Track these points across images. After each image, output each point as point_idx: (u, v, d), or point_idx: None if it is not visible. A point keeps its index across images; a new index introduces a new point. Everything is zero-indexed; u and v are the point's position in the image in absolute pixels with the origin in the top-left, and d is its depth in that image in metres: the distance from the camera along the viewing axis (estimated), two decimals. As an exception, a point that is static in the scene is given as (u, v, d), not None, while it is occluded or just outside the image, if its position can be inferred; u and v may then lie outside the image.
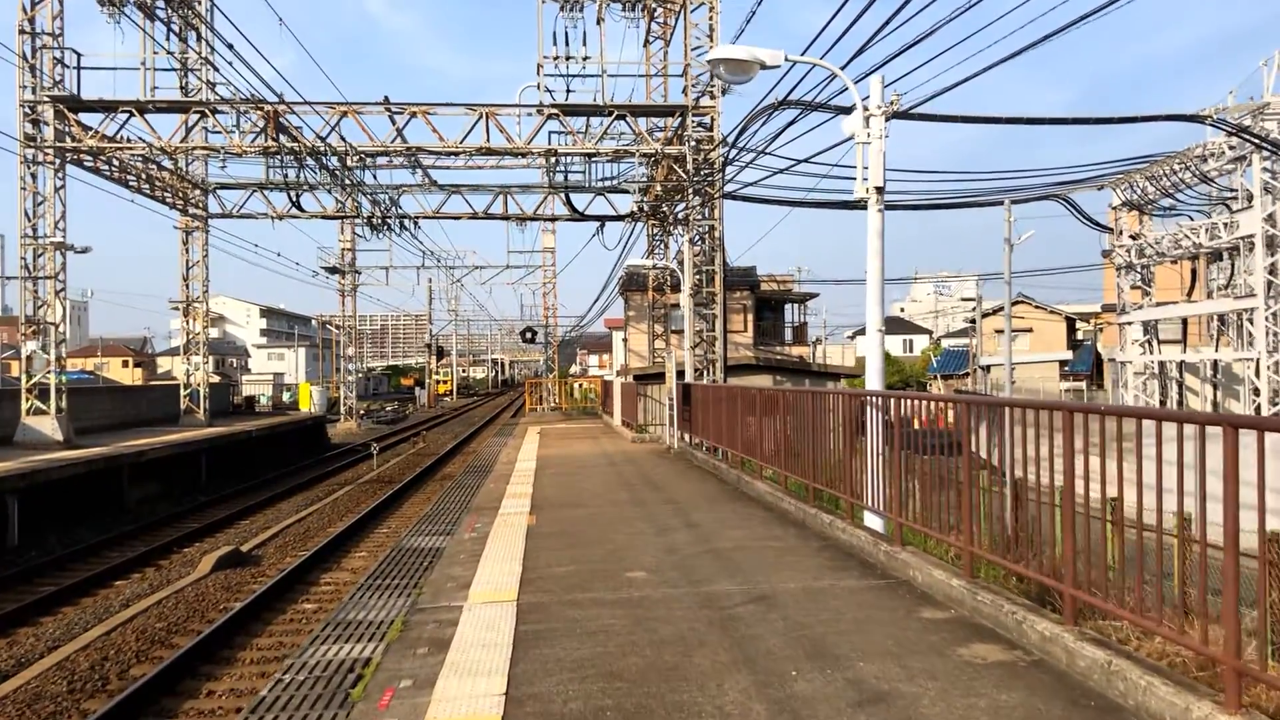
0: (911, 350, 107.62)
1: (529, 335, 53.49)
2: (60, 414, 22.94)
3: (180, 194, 31.04)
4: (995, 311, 70.09)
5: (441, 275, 59.15)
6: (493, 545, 9.28)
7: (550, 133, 25.10)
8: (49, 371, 22.71)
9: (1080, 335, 71.42)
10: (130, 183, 27.68)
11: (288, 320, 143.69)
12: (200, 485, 26.69)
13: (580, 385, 57.87)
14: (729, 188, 24.48)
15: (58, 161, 23.05)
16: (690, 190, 24.43)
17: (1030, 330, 66.91)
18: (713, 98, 24.46)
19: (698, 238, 24.92)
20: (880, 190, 8.84)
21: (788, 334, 41.92)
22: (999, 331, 72.81)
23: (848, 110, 19.82)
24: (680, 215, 24.88)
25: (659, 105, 24.95)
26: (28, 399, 22.74)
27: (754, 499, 12.32)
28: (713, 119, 24.63)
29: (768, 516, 10.76)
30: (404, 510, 22.30)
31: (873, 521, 9.02)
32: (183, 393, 32.66)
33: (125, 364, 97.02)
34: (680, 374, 21.22)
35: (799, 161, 18.77)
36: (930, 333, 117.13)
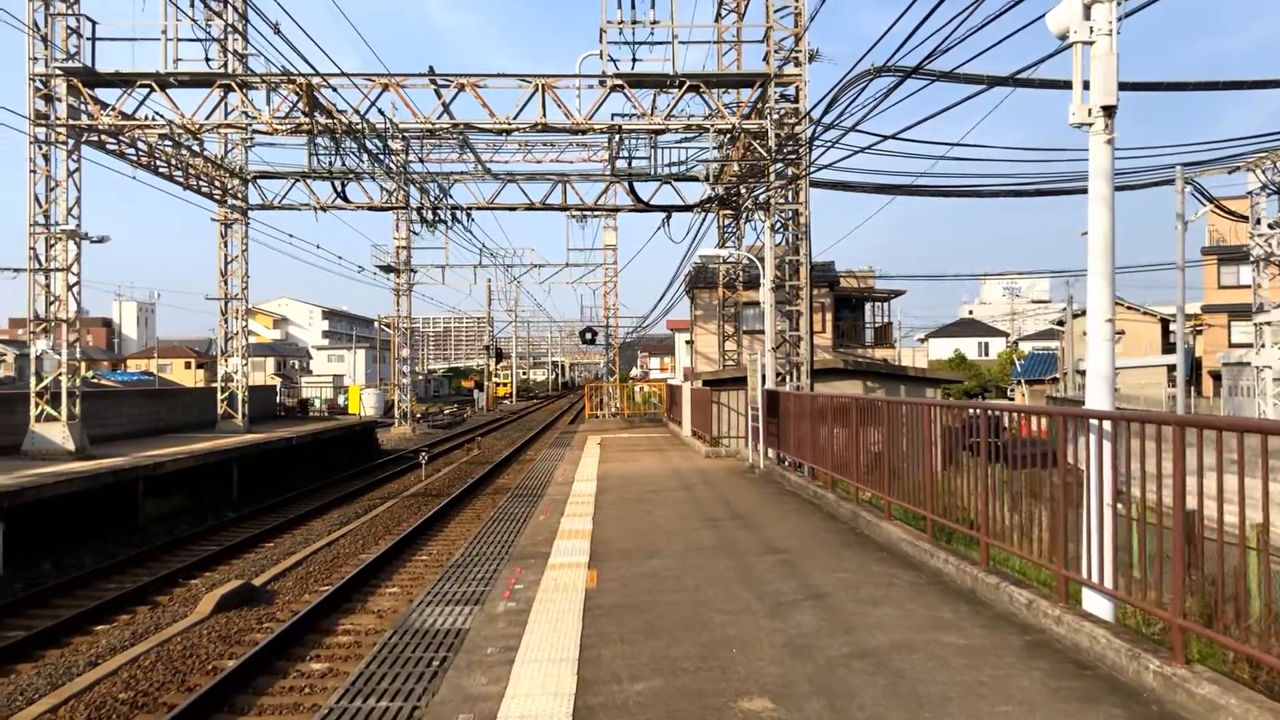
0: (987, 353, 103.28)
1: (589, 336, 50.92)
2: (72, 421, 20.71)
3: (218, 183, 28.88)
4: (1085, 313, 66.12)
5: (499, 274, 56.86)
6: (536, 628, 6.51)
7: (613, 114, 22.37)
8: (60, 374, 20.48)
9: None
10: (160, 169, 25.51)
11: (349, 321, 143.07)
12: (230, 499, 24.40)
13: (642, 389, 55.18)
14: (818, 172, 21.55)
15: (71, 141, 20.82)
16: (772, 170, 21.53)
17: (1123, 333, 62.76)
18: (798, 65, 21.54)
19: (779, 225, 22.01)
20: (1110, 112, 5.95)
21: (868, 335, 38.78)
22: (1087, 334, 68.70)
23: (961, 79, 16.82)
24: (760, 199, 21.99)
25: (736, 74, 22.08)
26: (37, 404, 20.55)
27: (883, 546, 9.41)
28: (798, 89, 21.70)
29: (916, 580, 7.84)
30: (447, 532, 19.73)
31: (1095, 603, 6.10)
32: (219, 396, 30.47)
33: (187, 365, 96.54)
34: (763, 379, 18.35)
35: (904, 130, 15.75)
36: (1007, 335, 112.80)
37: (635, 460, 20.08)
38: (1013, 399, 71.25)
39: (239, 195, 29.80)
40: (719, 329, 33.16)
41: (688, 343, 56.30)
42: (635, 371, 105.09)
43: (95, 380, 78.54)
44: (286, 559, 16.87)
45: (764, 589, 7.57)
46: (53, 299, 20.65)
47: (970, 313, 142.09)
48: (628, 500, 13.29)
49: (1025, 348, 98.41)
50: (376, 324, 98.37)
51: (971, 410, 9.01)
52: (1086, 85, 5.94)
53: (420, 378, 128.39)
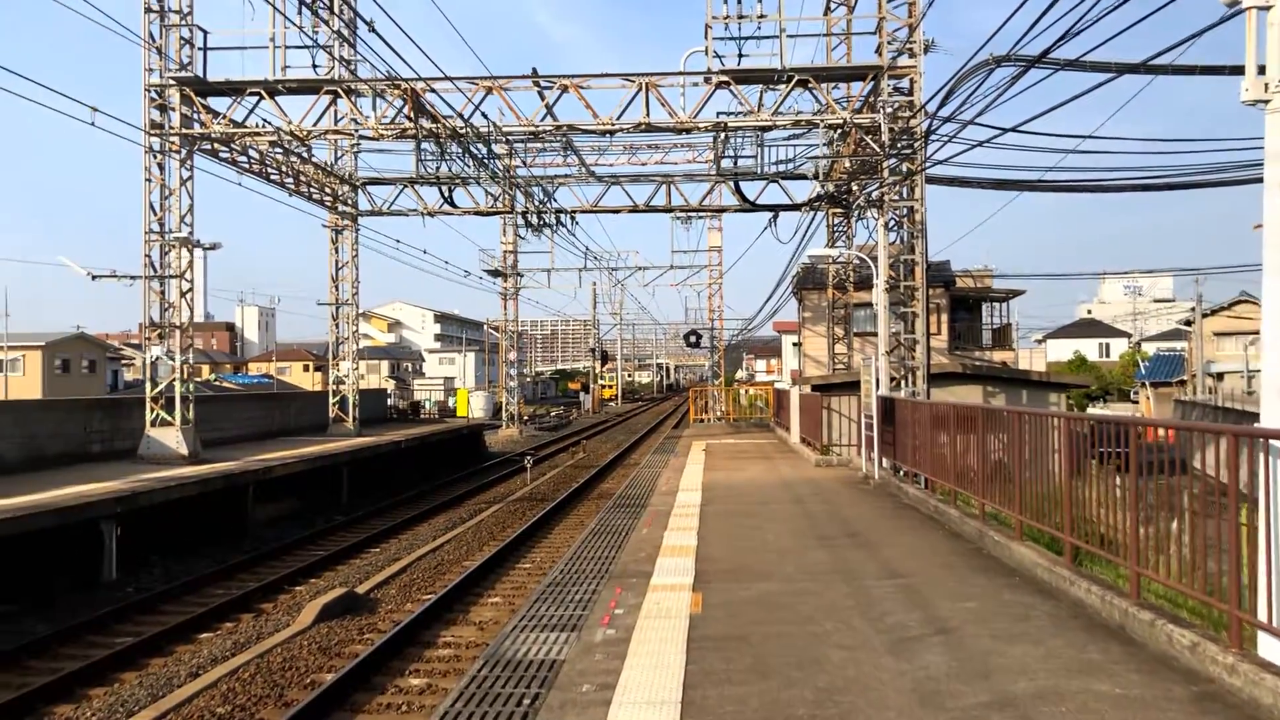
0: (1108, 354, 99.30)
1: (693, 339, 50.36)
2: (186, 425, 21.06)
3: (328, 190, 29.25)
4: (1216, 311, 62.74)
5: (603, 278, 56.76)
6: (635, 661, 6.00)
7: (718, 113, 21.80)
8: (174, 379, 20.85)
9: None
10: (272, 176, 25.91)
11: (459, 325, 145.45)
12: (340, 503, 24.57)
13: (747, 392, 54.41)
14: (933, 167, 20.61)
15: (184, 150, 21.20)
16: (885, 166, 20.67)
17: (1258, 333, 59.42)
18: (913, 56, 20.64)
19: (893, 223, 21.12)
20: (1293, 87, 5.16)
21: (986, 337, 37.32)
22: (1219, 334, 65.23)
23: (1088, 67, 15.76)
24: (873, 196, 21.14)
25: (848, 67, 21.25)
26: (152, 409, 20.95)
27: (1013, 570, 8.64)
28: (912, 82, 20.78)
29: (1055, 612, 7.10)
30: (551, 539, 19.45)
31: (1273, 649, 5.31)
32: (331, 400, 30.87)
33: (305, 368, 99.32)
34: (877, 384, 17.53)
35: (1026, 122, 14.76)
36: (1129, 335, 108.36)
37: (742, 469, 19.46)
38: (1136, 402, 68.16)
39: (349, 201, 30.14)
40: (828, 331, 32.27)
41: (795, 345, 55.30)
42: (740, 374, 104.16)
43: (218, 382, 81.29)
44: (391, 565, 16.76)
45: (885, 620, 6.92)
46: (167, 305, 21.04)
47: (1089, 313, 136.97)
48: (734, 514, 12.71)
49: (1148, 349, 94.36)
50: (485, 327, 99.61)
51: (1121, 427, 8.19)
52: (1262, 70, 5.16)
53: (528, 380, 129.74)
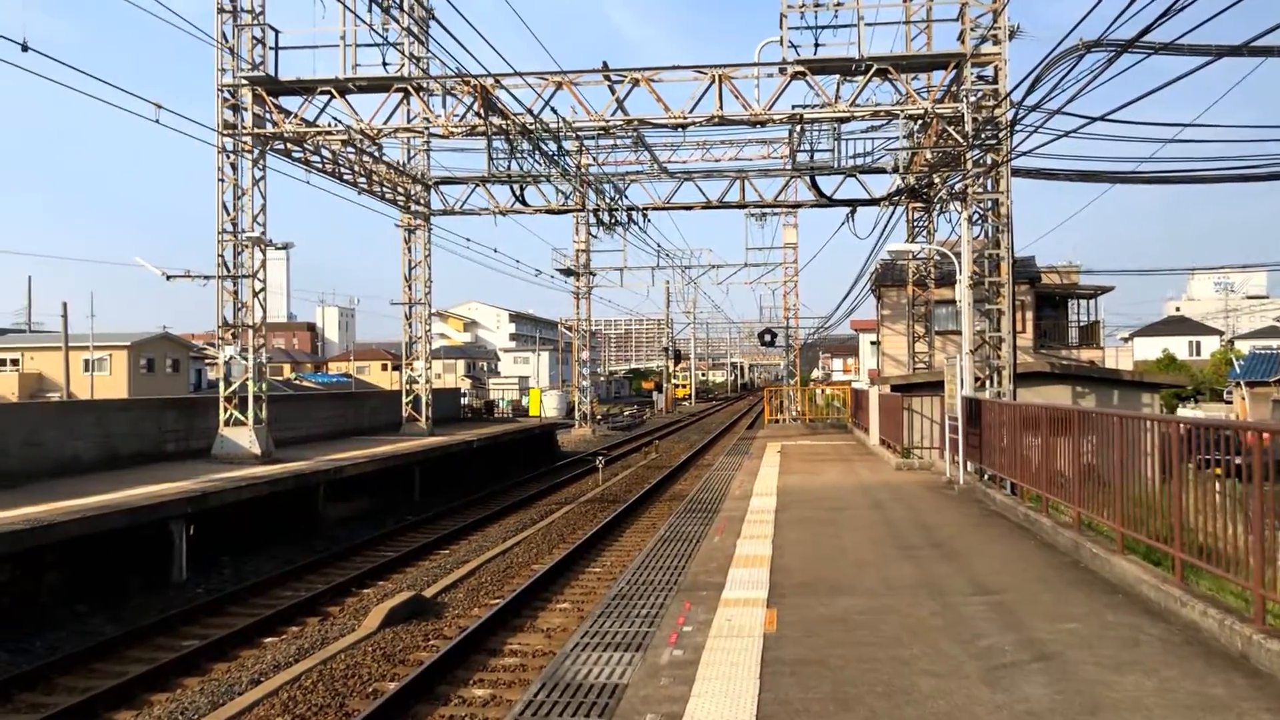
0: (1198, 353, 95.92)
1: (768, 338, 49.61)
2: (258, 425, 21.11)
3: (400, 189, 29.25)
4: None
5: (676, 276, 56.17)
6: (704, 688, 5.53)
7: (793, 105, 21.20)
8: (247, 378, 20.90)
9: None
10: (345, 176, 25.95)
11: (534, 324, 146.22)
12: (412, 503, 24.49)
13: (823, 392, 53.45)
14: (1018, 159, 19.73)
15: (256, 150, 21.25)
16: (968, 158, 19.86)
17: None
18: (997, 43, 19.79)
19: (976, 216, 20.28)
20: None
21: (1072, 335, 36.00)
22: (1322, 331, 62.27)
23: (1185, 50, 14.86)
24: (956, 189, 20.34)
25: (929, 55, 20.45)
26: (226, 409, 21.03)
27: (1116, 587, 7.97)
28: (996, 69, 19.93)
29: (1166, 637, 6.45)
30: (622, 541, 19.08)
31: None
32: (404, 399, 30.90)
33: (384, 367, 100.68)
34: (961, 384, 16.76)
35: (1115, 110, 13.85)
36: (1221, 333, 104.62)
37: (819, 472, 18.84)
38: (1229, 402, 65.59)
39: (421, 201, 30.13)
40: (908, 329, 31.38)
41: (873, 344, 54.16)
42: (816, 373, 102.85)
43: (298, 381, 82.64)
44: (460, 568, 16.52)
45: (978, 644, 6.34)
46: (241, 305, 21.11)
47: (1177, 310, 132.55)
48: (811, 520, 12.15)
49: (1241, 347, 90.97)
50: (559, 326, 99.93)
51: (1237, 431, 7.48)
52: None
53: (602, 379, 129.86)
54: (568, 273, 48.26)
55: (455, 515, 22.99)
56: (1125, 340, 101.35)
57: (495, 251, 32.39)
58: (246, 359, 20.85)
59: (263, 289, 21.44)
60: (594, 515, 22.26)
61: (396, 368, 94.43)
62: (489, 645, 11.92)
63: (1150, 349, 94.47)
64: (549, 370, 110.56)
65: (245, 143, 21.02)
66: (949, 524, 11.51)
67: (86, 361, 55.89)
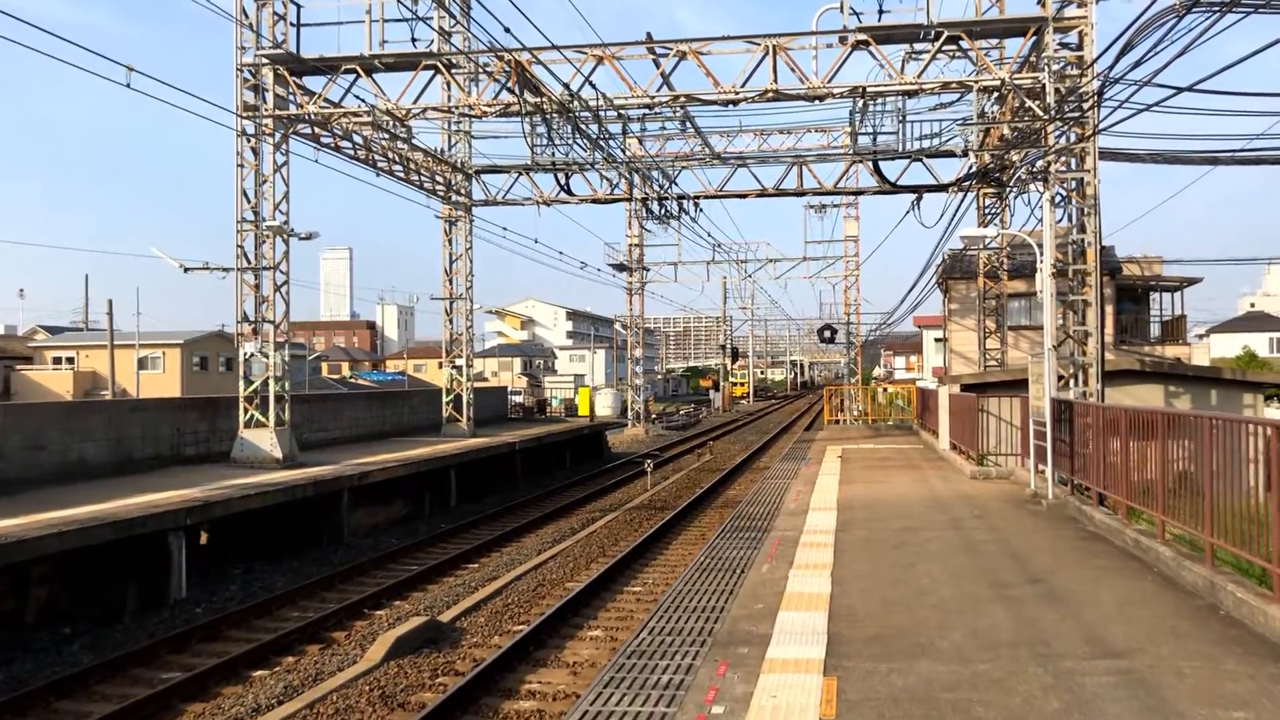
0: (1279, 350, 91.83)
1: (827, 334, 47.66)
2: (280, 427, 19.81)
3: (439, 178, 27.90)
4: None
5: (732, 271, 54.41)
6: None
7: (852, 88, 19.40)
8: (268, 377, 19.62)
9: None
10: (379, 164, 24.62)
11: (590, 322, 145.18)
12: (448, 509, 23.10)
13: (885, 390, 51.35)
14: (1106, 135, 17.73)
15: (278, 134, 19.96)
16: (1050, 132, 17.90)
17: None
18: (1082, 5, 17.81)
19: (1059, 198, 18.30)
20: None
21: (1154, 330, 33.61)
22: None
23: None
24: (1036, 168, 18.37)
25: (1005, 19, 18.46)
26: (246, 410, 19.78)
27: None
28: (1081, 35, 17.95)
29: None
30: (667, 555, 17.47)
31: None
32: (445, 398, 29.55)
33: (440, 365, 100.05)
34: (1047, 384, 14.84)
35: (1205, 79, 11.92)
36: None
37: (884, 481, 17.01)
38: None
39: (462, 191, 28.75)
40: (978, 325, 29.29)
41: (937, 340, 51.87)
42: (878, 371, 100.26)
43: (353, 379, 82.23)
44: (487, 585, 15.03)
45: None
46: (262, 299, 19.84)
47: (1252, 305, 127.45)
48: (878, 543, 10.39)
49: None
50: (614, 324, 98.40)
51: None
52: None
53: (659, 377, 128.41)
54: (620, 267, 46.79)
55: (491, 523, 21.54)
56: (1201, 337, 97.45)
57: (535, 242, 30.97)
58: (268, 356, 19.56)
59: (285, 282, 20.15)
60: (639, 524, 20.69)
61: (455, 366, 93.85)
62: (505, 684, 10.38)
63: (1228, 346, 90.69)
64: (605, 368, 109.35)
65: (266, 125, 19.73)
66: (1043, 551, 9.69)
67: (141, 360, 55.71)
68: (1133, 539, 9.52)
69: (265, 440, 19.58)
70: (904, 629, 6.77)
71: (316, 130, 21.52)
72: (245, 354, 19.53)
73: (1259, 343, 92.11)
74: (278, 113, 19.77)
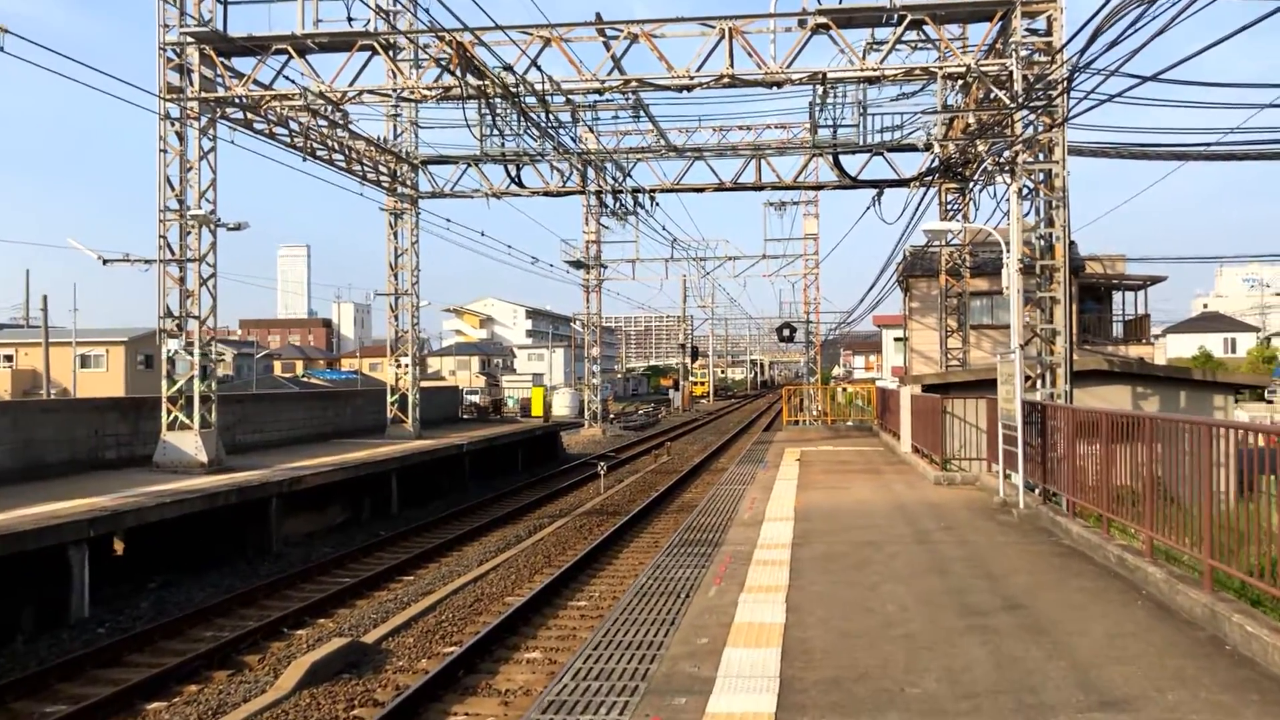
0: (1234, 350, 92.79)
1: (786, 333, 46.90)
2: (206, 430, 18.61)
3: (384, 168, 26.73)
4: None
5: (692, 269, 53.51)
6: None
7: (813, 72, 18.57)
8: (192, 376, 18.41)
9: None
10: (318, 152, 23.42)
11: (551, 321, 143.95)
12: (389, 515, 22.00)
13: (845, 390, 50.73)
14: (1074, 132, 17.01)
15: (205, 118, 18.75)
16: (1018, 120, 17.14)
17: None
18: (1052, -11, 17.07)
19: (1025, 191, 17.54)
20: None
21: (1117, 329, 33.16)
22: (1375, 327, 58.94)
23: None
24: (1004, 158, 17.60)
25: (971, 3, 17.66)
26: (169, 411, 18.54)
27: (1303, 697, 5.30)
28: (1050, 20, 17.22)
29: None
30: (617, 565, 16.56)
31: None
32: (389, 399, 28.37)
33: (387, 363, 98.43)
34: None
35: (1170, 67, 11.29)
36: (1257, 330, 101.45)
37: (845, 486, 16.14)
38: (1271, 402, 62.49)
39: (408, 182, 27.59)
40: (940, 324, 28.61)
41: (897, 340, 51.32)
42: (837, 371, 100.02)
43: (306, 378, 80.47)
44: (420, 600, 13.98)
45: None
46: (187, 293, 18.61)
47: (1205, 306, 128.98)
48: (839, 560, 9.46)
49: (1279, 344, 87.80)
50: (573, 323, 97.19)
51: None
52: None
53: (619, 376, 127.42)
54: (577, 265, 45.78)
55: (433, 530, 20.47)
56: (1157, 337, 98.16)
57: (483, 235, 29.53)
58: (192, 354, 18.34)
59: (212, 275, 18.92)
60: (589, 531, 19.72)
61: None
62: (428, 715, 9.38)
63: (1184, 346, 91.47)
64: (564, 368, 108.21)
65: (191, 109, 18.51)
66: (1019, 570, 8.80)
67: (83, 358, 53.90)
68: (1115, 556, 8.67)
69: (189, 443, 18.36)
70: (868, 671, 5.84)
71: (249, 115, 20.32)
72: (168, 351, 18.29)
73: (1214, 343, 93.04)
74: (204, 95, 18.55)
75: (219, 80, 18.92)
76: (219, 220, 18.58)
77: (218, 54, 18.66)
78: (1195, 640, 6.38)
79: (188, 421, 18.54)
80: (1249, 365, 77.83)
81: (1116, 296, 33.53)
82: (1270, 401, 63.64)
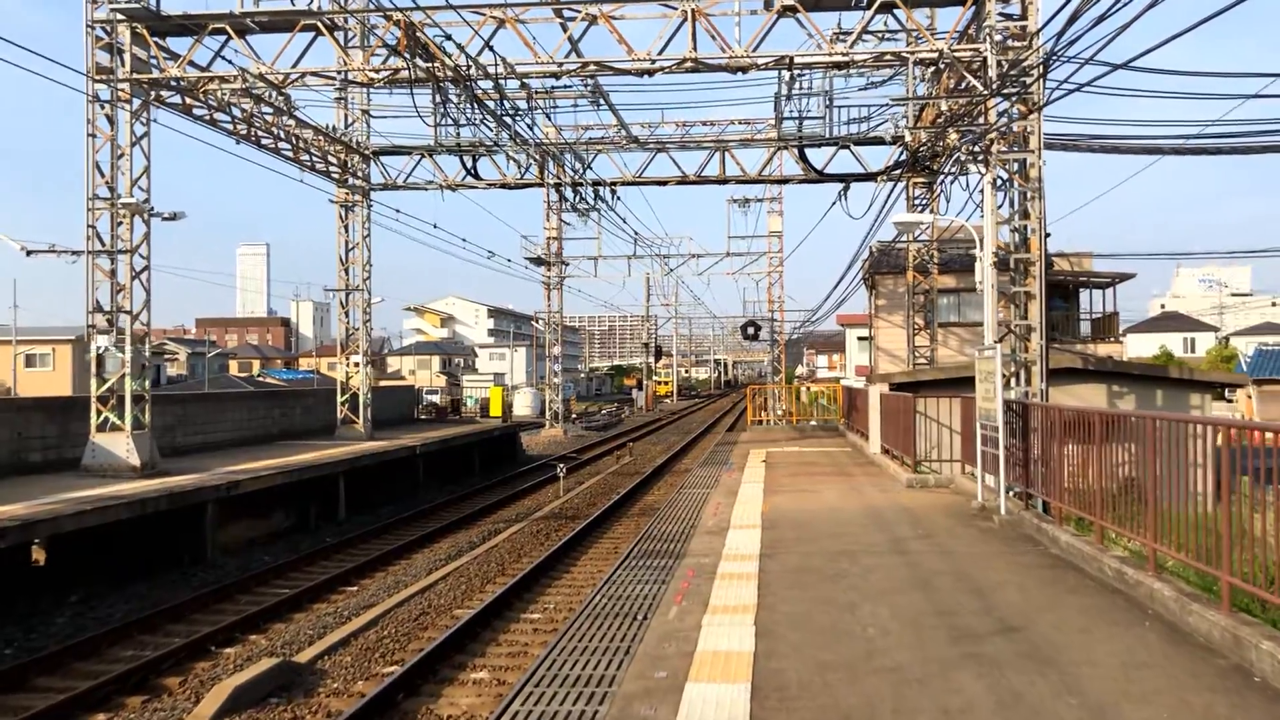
0: (1193, 349, 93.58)
1: (751, 331, 46.22)
2: (139, 431, 17.50)
3: (334, 159, 25.66)
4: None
5: (656, 267, 52.68)
6: None
7: (779, 56, 17.83)
8: (124, 374, 17.29)
9: None
10: (264, 140, 22.34)
11: (513, 320, 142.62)
12: (337, 520, 21.00)
13: (808, 389, 50.16)
14: (1048, 125, 16.37)
15: (137, 101, 17.64)
16: (991, 108, 16.46)
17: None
18: (1028, -29, 16.40)
19: (999, 183, 16.86)
20: None
21: (1084, 327, 32.72)
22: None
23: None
24: (978, 147, 16.89)
25: (945, -16, 16.99)
26: (99, 411, 17.42)
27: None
28: (1025, 4, 16.55)
29: None
30: (574, 573, 15.70)
31: None
32: (339, 398, 27.28)
33: (356, 364, 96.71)
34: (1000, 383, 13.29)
35: (1143, 54, 10.56)
36: (1215, 329, 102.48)
37: (813, 490, 15.37)
38: (1231, 400, 62.75)
39: (359, 174, 26.53)
40: (907, 321, 27.97)
41: (861, 339, 50.79)
42: (800, 370, 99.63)
43: (262, 378, 78.79)
44: (362, 613, 13.04)
45: None
46: (118, 287, 17.50)
47: (1162, 307, 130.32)
48: (811, 574, 8.65)
49: (1237, 343, 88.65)
50: (534, 321, 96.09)
51: None
52: None
53: (582, 376, 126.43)
54: (538, 261, 44.81)
55: (382, 537, 19.50)
56: (1122, 335, 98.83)
57: (435, 227, 28.64)
58: (123, 351, 17.23)
59: (146, 268, 17.81)
60: (546, 536, 18.86)
61: (370, 363, 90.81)
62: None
63: (1144, 346, 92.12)
64: (526, 367, 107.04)
65: (123, 91, 17.40)
66: (1009, 584, 8.03)
67: (29, 357, 52.11)
68: (1113, 569, 7.93)
69: (121, 446, 17.25)
70: (851, 713, 5.02)
71: (187, 100, 19.22)
72: (97, 348, 17.16)
73: (1173, 342, 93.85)
74: (136, 76, 17.44)
75: (153, 61, 17.82)
76: (152, 209, 17.49)
77: (151, 33, 17.57)
78: (1219, 671, 5.62)
79: (119, 423, 17.42)
80: (1208, 364, 78.30)
81: (1084, 294, 33.09)
82: (1230, 400, 63.89)
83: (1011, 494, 11.72)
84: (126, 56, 17.38)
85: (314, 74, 17.65)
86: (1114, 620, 6.76)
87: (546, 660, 6.48)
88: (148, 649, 11.82)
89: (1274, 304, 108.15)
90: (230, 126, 20.86)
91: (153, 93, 18.02)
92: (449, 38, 16.39)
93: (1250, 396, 60.24)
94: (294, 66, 17.61)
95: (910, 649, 6.16)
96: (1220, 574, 6.14)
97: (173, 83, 17.88)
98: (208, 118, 20.16)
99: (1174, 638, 6.30)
